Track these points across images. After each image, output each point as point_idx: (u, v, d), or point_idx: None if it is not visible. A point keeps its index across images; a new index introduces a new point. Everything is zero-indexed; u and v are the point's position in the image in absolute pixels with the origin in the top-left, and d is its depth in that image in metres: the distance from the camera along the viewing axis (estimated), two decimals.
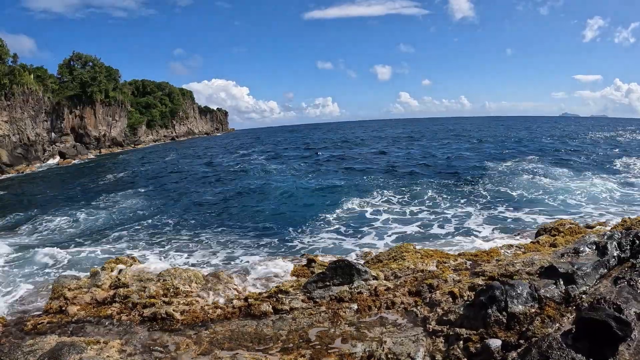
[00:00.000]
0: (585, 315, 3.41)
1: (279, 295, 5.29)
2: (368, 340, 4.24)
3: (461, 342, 3.87)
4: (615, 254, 4.89)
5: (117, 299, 5.63)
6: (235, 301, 5.29)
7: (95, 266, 7.68)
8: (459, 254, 6.96)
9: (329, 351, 4.14)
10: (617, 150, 35.09)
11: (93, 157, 57.65)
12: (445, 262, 6.19)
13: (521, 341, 3.63)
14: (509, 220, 14.10)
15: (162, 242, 13.97)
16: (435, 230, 13.26)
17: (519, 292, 4.09)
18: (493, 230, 12.79)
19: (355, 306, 4.96)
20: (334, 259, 6.84)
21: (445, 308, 4.52)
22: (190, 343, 4.49)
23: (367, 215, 15.55)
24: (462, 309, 4.34)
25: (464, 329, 4.00)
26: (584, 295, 4.14)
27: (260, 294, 5.57)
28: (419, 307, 4.76)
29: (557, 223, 8.61)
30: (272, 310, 5.03)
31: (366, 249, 9.87)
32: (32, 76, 51.68)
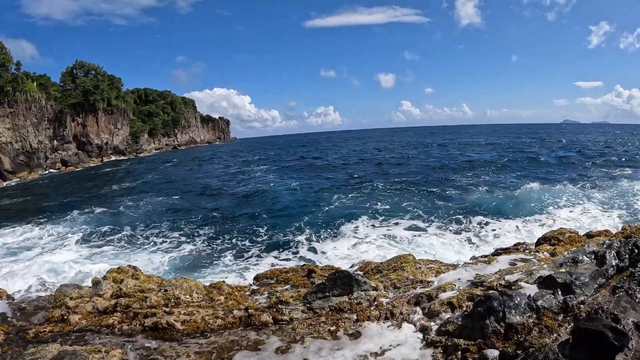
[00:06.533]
0: (582, 326, 3.43)
1: (279, 306, 5.32)
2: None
3: (459, 352, 3.89)
4: (613, 263, 4.90)
5: (118, 309, 5.66)
6: (235, 311, 5.32)
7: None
8: (458, 264, 6.98)
9: None
10: None
11: (95, 164, 57.89)
12: (444, 272, 6.21)
13: (519, 351, 3.65)
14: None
15: (165, 248, 14.01)
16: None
17: (517, 302, 4.10)
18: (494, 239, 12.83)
19: (354, 317, 4.98)
20: (334, 269, 6.87)
21: (444, 318, 4.55)
22: (191, 353, 4.52)
23: None
24: (460, 319, 4.36)
25: (462, 340, 4.02)
26: (582, 305, 4.15)
27: (260, 304, 5.60)
28: (417, 318, 4.78)
29: (557, 232, 8.58)
30: (272, 321, 5.06)
31: (366, 259, 9.88)
32: (35, 84, 52.12)
